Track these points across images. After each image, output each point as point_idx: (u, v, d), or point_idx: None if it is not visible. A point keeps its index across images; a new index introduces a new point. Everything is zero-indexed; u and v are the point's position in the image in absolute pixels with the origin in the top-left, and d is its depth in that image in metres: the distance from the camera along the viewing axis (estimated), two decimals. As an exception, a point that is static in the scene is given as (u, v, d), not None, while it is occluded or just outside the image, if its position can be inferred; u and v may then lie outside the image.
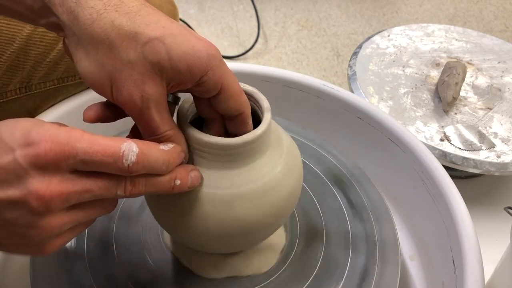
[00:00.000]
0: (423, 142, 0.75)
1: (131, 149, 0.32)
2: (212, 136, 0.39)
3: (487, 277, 0.55)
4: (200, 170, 0.40)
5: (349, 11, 1.52)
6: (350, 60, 0.94)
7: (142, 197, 0.51)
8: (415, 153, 0.62)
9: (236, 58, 1.32)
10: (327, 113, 0.72)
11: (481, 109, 0.85)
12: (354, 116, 0.70)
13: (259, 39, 1.37)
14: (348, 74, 0.90)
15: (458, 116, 0.83)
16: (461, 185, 0.82)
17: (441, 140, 0.78)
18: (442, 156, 0.75)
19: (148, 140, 0.37)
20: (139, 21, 0.35)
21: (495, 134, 0.80)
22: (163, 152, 0.35)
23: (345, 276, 0.49)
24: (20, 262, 0.55)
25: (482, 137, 0.78)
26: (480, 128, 0.81)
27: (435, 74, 0.91)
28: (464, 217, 0.54)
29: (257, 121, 0.42)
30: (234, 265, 0.48)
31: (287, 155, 0.44)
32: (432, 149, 0.76)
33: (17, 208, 0.31)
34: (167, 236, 0.51)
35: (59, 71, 0.61)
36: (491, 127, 0.81)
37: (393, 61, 0.94)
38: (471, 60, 0.96)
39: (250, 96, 0.43)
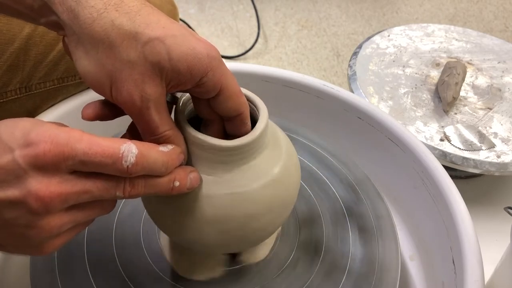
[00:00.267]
0: (423, 142, 0.75)
1: (131, 150, 0.32)
2: (211, 138, 0.39)
3: (487, 277, 0.55)
4: (205, 172, 0.40)
5: (349, 11, 1.52)
6: (350, 60, 0.94)
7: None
8: (415, 153, 0.62)
9: (236, 58, 1.32)
10: (327, 113, 0.72)
11: (481, 109, 0.85)
12: (354, 116, 0.70)
13: (259, 39, 1.37)
14: (348, 74, 0.90)
15: (458, 116, 0.83)
16: (461, 185, 0.82)
17: (441, 140, 0.78)
18: (442, 156, 0.75)
19: (148, 141, 0.37)
20: (140, 20, 0.35)
21: (495, 134, 0.80)
22: (162, 153, 0.35)
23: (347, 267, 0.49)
24: (20, 262, 0.55)
25: (482, 137, 0.78)
26: (480, 128, 0.81)
27: (435, 74, 0.91)
28: (464, 217, 0.54)
29: (253, 123, 0.42)
30: (243, 261, 0.48)
31: (286, 155, 0.44)
32: (432, 149, 0.76)
33: (17, 208, 0.31)
34: (164, 239, 0.51)
35: (59, 71, 0.61)
36: (491, 127, 0.81)
37: (393, 61, 0.94)
38: (471, 60, 0.96)
39: (246, 98, 0.43)
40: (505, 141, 0.79)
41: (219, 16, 1.47)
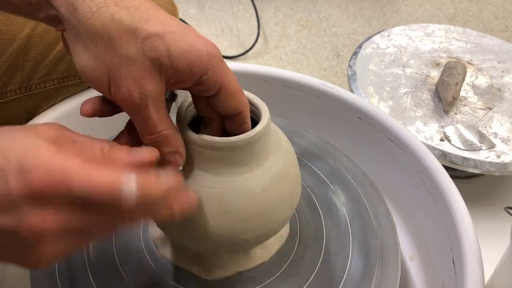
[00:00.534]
0: (423, 142, 0.75)
1: (131, 188, 0.30)
2: (211, 136, 0.39)
3: (487, 277, 0.55)
4: (200, 171, 0.40)
5: (349, 11, 1.52)
6: (350, 60, 0.94)
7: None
8: (415, 153, 0.62)
9: (236, 58, 1.32)
10: (327, 113, 0.72)
11: (481, 109, 0.85)
12: (354, 116, 0.69)
13: (259, 39, 1.37)
14: (348, 74, 0.90)
15: (458, 116, 0.83)
16: (461, 185, 0.82)
17: (441, 140, 0.78)
18: (442, 156, 0.75)
19: (145, 140, 0.37)
20: (139, 16, 0.35)
21: (495, 134, 0.80)
22: (164, 188, 0.32)
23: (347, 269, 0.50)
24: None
25: (482, 137, 0.78)
26: (480, 128, 0.81)
27: (435, 74, 0.91)
28: (464, 217, 0.54)
29: (254, 124, 0.42)
30: (238, 262, 0.48)
31: (287, 154, 0.44)
32: (432, 149, 0.76)
33: (10, 235, 0.29)
34: (165, 239, 0.51)
35: (59, 71, 0.61)
36: (491, 127, 0.81)
37: (393, 61, 0.94)
38: (471, 60, 0.96)
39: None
40: (505, 141, 0.79)
41: (219, 16, 1.47)
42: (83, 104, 0.38)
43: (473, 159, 0.75)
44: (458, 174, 0.84)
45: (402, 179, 0.66)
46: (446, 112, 0.83)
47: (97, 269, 0.48)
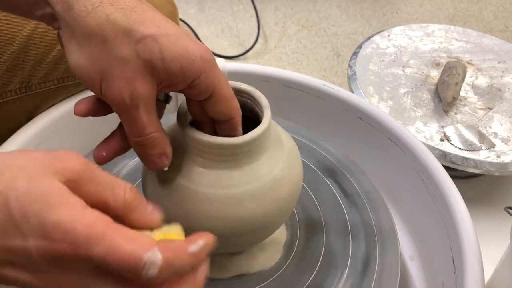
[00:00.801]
0: (423, 142, 0.75)
1: (155, 261, 0.27)
2: (213, 136, 0.39)
3: (487, 277, 0.55)
4: (201, 171, 0.40)
5: (349, 11, 1.52)
6: (350, 60, 0.94)
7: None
8: (415, 153, 0.62)
9: (236, 58, 1.32)
10: (327, 113, 0.72)
11: (481, 109, 0.85)
12: (354, 116, 0.69)
13: (259, 39, 1.37)
14: (348, 74, 0.90)
15: (458, 116, 0.83)
16: (461, 185, 0.82)
17: (441, 140, 0.78)
18: (442, 156, 0.75)
19: (133, 141, 0.37)
20: (134, 17, 0.35)
21: (495, 134, 0.80)
22: (192, 257, 0.29)
23: (348, 264, 0.50)
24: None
25: (482, 137, 0.78)
26: (480, 128, 0.81)
27: (435, 74, 0.91)
28: (464, 217, 0.54)
29: (256, 122, 0.42)
30: (241, 264, 0.48)
31: (288, 154, 0.44)
32: (432, 149, 0.76)
33: (27, 285, 0.29)
34: None
35: (59, 71, 0.61)
36: (491, 127, 0.81)
37: (393, 61, 0.94)
38: (471, 60, 0.96)
39: (248, 95, 0.43)
40: (505, 141, 0.79)
41: (219, 16, 1.47)
42: (77, 104, 0.38)
43: (473, 159, 0.75)
44: (458, 174, 0.84)
45: (402, 179, 0.66)
46: (446, 112, 0.83)
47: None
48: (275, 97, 0.71)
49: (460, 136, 0.78)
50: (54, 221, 0.27)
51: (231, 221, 0.40)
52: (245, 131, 0.41)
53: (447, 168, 0.62)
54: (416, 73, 0.92)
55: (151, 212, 0.32)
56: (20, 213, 0.27)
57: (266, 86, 0.72)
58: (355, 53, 0.95)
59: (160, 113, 0.41)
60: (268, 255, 0.49)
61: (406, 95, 0.86)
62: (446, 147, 0.76)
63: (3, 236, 0.28)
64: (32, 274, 0.28)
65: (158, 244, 0.28)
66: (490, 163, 0.75)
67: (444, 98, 0.83)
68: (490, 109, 0.85)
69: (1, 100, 0.58)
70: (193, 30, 1.37)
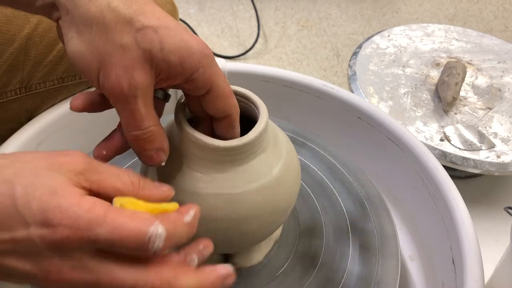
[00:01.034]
0: (423, 142, 0.75)
1: (158, 234, 0.29)
2: (210, 138, 0.39)
3: (487, 277, 0.55)
4: (199, 171, 0.40)
5: (349, 11, 1.52)
6: (350, 60, 0.94)
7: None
8: (415, 153, 0.62)
9: (236, 58, 1.32)
10: (327, 113, 0.72)
11: (481, 109, 0.85)
12: (354, 116, 0.69)
13: (259, 39, 1.37)
14: (348, 74, 0.90)
15: (458, 116, 0.83)
16: (461, 185, 0.82)
17: (441, 140, 0.78)
18: (442, 156, 0.75)
19: (130, 136, 0.37)
20: (136, 8, 0.35)
21: (495, 134, 0.80)
22: (187, 226, 0.31)
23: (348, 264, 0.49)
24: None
25: (482, 137, 0.78)
26: (480, 128, 0.81)
27: (435, 74, 0.91)
28: (464, 217, 0.54)
29: (253, 122, 0.41)
30: (236, 263, 0.48)
31: (286, 155, 0.44)
32: (432, 149, 0.76)
33: (28, 276, 0.30)
34: None
35: (59, 71, 0.61)
36: (491, 127, 0.81)
37: (393, 61, 0.94)
38: (471, 60, 0.96)
39: (245, 98, 0.43)
40: (505, 141, 0.79)
41: (219, 16, 1.47)
42: (73, 99, 0.38)
43: (473, 159, 0.75)
44: (458, 174, 0.84)
45: (402, 179, 0.66)
46: (446, 112, 0.83)
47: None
48: (275, 97, 0.72)
49: (460, 136, 0.78)
50: (55, 207, 0.28)
51: (229, 222, 0.40)
52: (243, 131, 0.41)
53: (447, 168, 0.62)
54: (416, 73, 0.92)
55: (159, 185, 0.34)
56: (24, 200, 0.28)
57: (266, 86, 0.72)
58: (355, 53, 0.95)
59: (159, 112, 0.40)
60: (263, 249, 0.50)
61: (406, 95, 0.86)
62: (446, 147, 0.76)
63: (6, 225, 0.28)
64: (33, 262, 0.29)
65: (157, 217, 0.29)
66: (490, 163, 0.75)
67: (444, 98, 0.83)
68: (490, 109, 0.85)
69: (1, 100, 0.58)
70: (193, 30, 1.37)
